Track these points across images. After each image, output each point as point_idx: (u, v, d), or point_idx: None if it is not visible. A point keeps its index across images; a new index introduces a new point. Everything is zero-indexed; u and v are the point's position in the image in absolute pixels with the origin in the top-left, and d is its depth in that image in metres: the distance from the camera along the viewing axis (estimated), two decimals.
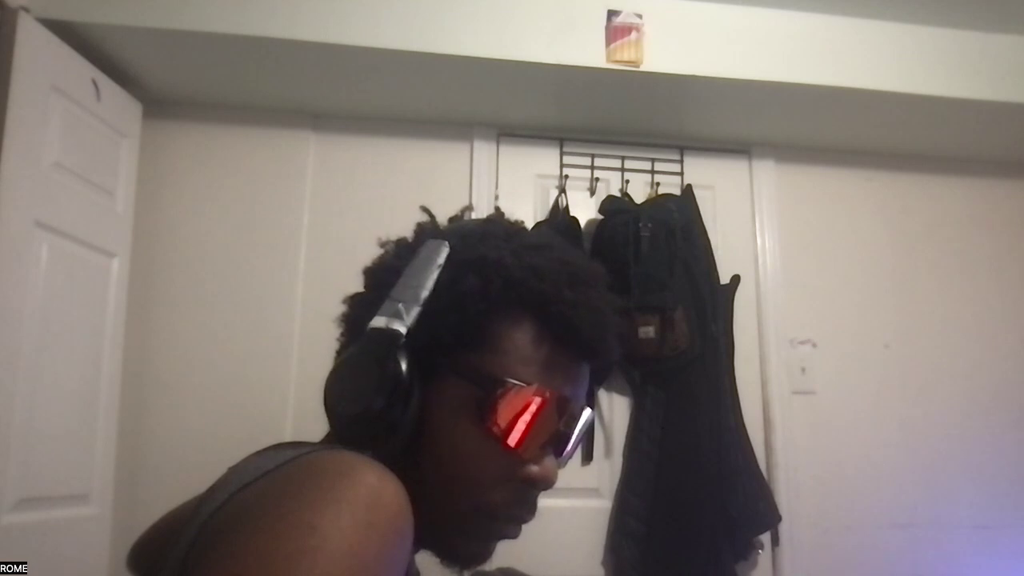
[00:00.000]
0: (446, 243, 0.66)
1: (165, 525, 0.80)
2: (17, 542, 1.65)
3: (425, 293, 0.63)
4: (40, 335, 1.77)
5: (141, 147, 2.20)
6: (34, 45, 1.78)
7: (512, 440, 0.62)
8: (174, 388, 2.18)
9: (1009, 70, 2.30)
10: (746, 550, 2.25)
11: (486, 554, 0.67)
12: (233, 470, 0.61)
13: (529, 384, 0.63)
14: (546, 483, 0.65)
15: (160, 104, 2.29)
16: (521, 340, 0.64)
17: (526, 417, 0.62)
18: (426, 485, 0.62)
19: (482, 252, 0.66)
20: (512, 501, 0.64)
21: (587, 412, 0.70)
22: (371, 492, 0.50)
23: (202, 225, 2.29)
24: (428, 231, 0.71)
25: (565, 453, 0.69)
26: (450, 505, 0.63)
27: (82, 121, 1.95)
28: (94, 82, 2.00)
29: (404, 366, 0.60)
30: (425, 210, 0.73)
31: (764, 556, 2.30)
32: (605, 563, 2.24)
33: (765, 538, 2.30)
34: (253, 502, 0.52)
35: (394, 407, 0.60)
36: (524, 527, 0.68)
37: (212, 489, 0.59)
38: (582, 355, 0.67)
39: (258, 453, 0.63)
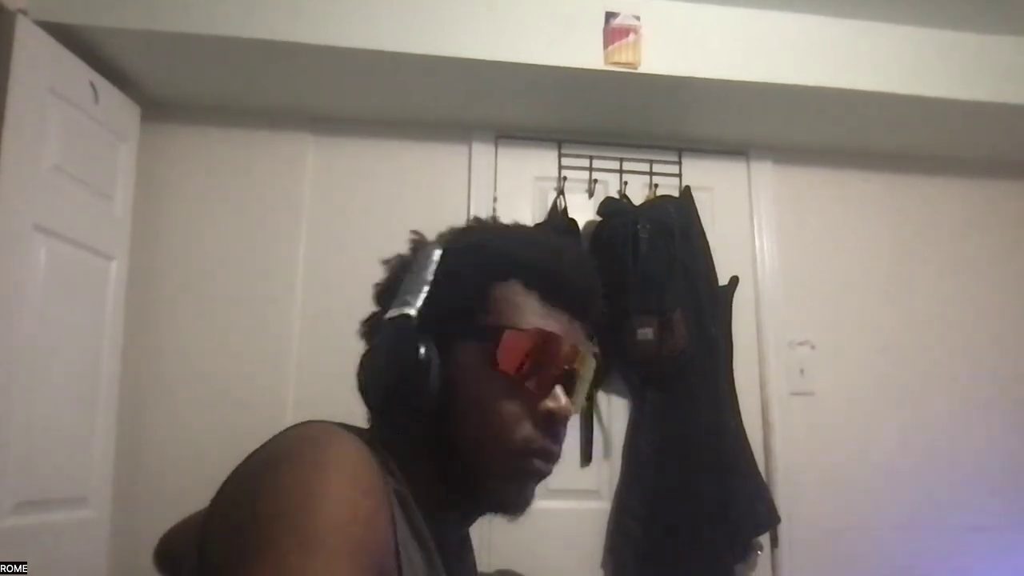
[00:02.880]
0: (438, 246, 0.77)
1: (191, 521, 0.89)
2: (16, 545, 1.64)
3: (427, 283, 0.73)
4: (39, 338, 1.77)
5: (139, 150, 2.20)
6: (32, 48, 1.78)
7: (518, 373, 0.71)
8: (173, 391, 2.18)
9: (1007, 72, 2.31)
10: (745, 552, 2.25)
11: (527, 496, 0.74)
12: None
13: (526, 329, 0.72)
14: (562, 412, 0.73)
15: (158, 107, 2.29)
16: (514, 298, 0.74)
17: (528, 354, 0.72)
18: (461, 442, 0.71)
19: (470, 240, 0.78)
20: (536, 435, 0.72)
21: (592, 357, 0.78)
22: (346, 456, 0.60)
23: (201, 228, 2.29)
24: (420, 243, 0.80)
25: (575, 392, 0.76)
26: (484, 452, 0.71)
27: (80, 124, 1.95)
28: (92, 85, 2.00)
29: (419, 342, 0.69)
30: (415, 232, 0.82)
31: (763, 558, 2.30)
32: (604, 565, 2.24)
33: (764, 540, 2.30)
34: (251, 471, 0.61)
35: (417, 378, 0.69)
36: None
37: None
38: (569, 305, 0.76)
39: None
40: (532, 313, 0.73)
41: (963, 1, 2.19)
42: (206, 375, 2.19)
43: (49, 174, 1.83)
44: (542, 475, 0.74)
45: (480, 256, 0.75)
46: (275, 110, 2.37)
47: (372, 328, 0.78)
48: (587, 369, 0.78)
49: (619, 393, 2.35)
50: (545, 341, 0.73)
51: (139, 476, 2.11)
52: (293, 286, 2.29)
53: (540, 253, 0.76)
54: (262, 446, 0.65)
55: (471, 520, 0.79)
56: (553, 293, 0.75)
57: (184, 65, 2.13)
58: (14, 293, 1.71)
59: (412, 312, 0.71)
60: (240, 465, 0.64)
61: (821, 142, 2.58)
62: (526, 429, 0.71)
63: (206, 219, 2.29)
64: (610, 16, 2.14)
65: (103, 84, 2.04)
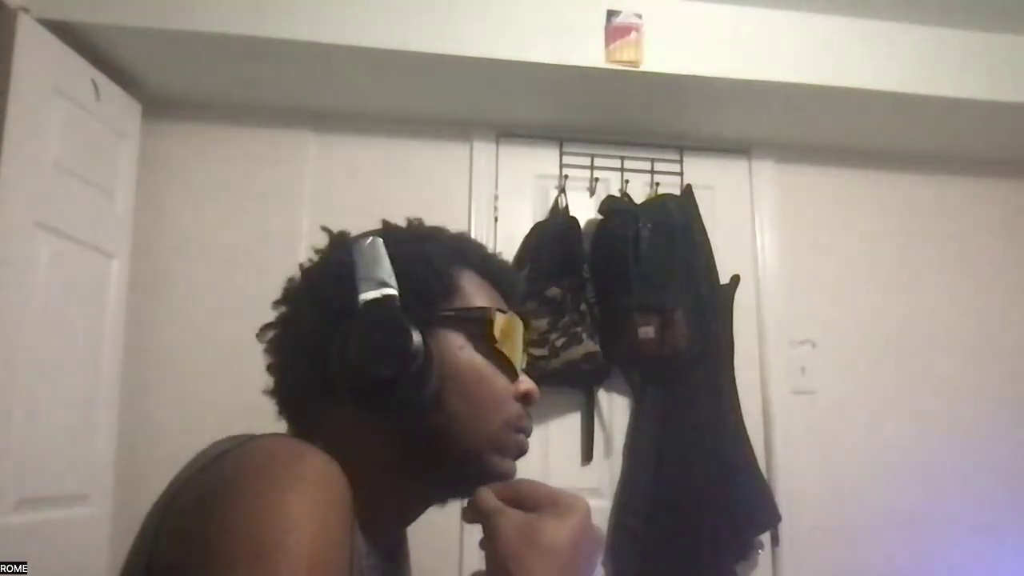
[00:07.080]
0: (378, 237, 0.72)
1: None
2: (17, 542, 1.64)
3: (390, 268, 0.69)
4: (40, 336, 1.77)
5: (141, 147, 2.20)
6: (34, 46, 1.78)
7: (513, 356, 0.74)
8: (174, 389, 2.18)
9: (1010, 70, 2.30)
10: (746, 550, 2.25)
11: (514, 469, 0.75)
12: (194, 459, 0.64)
13: (507, 312, 0.76)
14: (536, 393, 0.76)
15: (160, 104, 2.29)
16: (477, 284, 0.76)
17: (514, 335, 0.75)
18: (455, 421, 0.70)
19: (417, 232, 0.78)
20: (522, 412, 0.75)
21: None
22: (322, 472, 0.57)
23: (202, 225, 2.29)
24: (339, 238, 0.78)
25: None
26: (485, 427, 0.72)
27: (82, 121, 1.95)
28: (94, 82, 1.99)
29: (411, 324, 0.67)
30: (325, 229, 0.80)
31: (764, 556, 2.30)
32: (604, 563, 2.24)
33: (765, 538, 2.30)
34: (216, 486, 0.56)
35: (417, 362, 0.66)
36: None
37: (173, 480, 0.63)
38: (513, 297, 0.80)
39: (212, 444, 0.66)
40: (496, 300, 0.76)
41: None
42: (207, 372, 2.20)
43: (51, 171, 1.83)
44: (524, 452, 0.76)
45: (439, 245, 0.76)
46: (276, 108, 2.37)
47: (320, 316, 0.73)
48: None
49: (620, 391, 2.35)
50: (521, 326, 0.77)
51: (140, 473, 2.11)
52: None
53: (480, 248, 0.80)
54: (220, 456, 0.59)
55: (409, 520, 0.77)
56: (501, 285, 0.78)
57: (186, 63, 2.13)
58: (16, 290, 1.71)
59: (395, 293, 0.68)
60: (195, 474, 0.59)
61: (823, 141, 2.58)
62: (515, 406, 0.74)
63: (207, 216, 2.29)
64: (612, 14, 2.14)
65: (104, 82, 2.04)
